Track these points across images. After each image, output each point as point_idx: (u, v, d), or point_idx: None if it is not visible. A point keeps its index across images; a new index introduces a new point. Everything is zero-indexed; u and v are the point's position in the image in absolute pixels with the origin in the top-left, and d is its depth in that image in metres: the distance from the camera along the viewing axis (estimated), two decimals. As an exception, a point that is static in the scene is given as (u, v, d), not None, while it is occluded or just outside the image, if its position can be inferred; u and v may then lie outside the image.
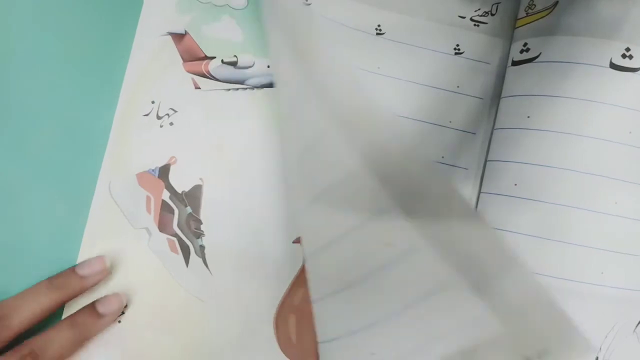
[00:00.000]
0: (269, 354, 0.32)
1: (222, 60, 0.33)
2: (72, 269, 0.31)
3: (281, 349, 0.32)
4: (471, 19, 0.34)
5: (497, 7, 0.35)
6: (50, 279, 0.30)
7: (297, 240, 0.33)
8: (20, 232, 0.31)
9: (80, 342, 0.30)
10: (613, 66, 0.30)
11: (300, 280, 0.32)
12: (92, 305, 0.31)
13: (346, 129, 0.26)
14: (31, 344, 0.28)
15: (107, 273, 0.31)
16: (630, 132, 0.30)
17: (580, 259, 0.29)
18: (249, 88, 0.33)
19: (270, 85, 0.33)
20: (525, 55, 0.32)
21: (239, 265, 0.32)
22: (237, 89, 0.33)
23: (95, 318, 0.30)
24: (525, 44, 0.32)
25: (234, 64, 0.33)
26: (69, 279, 0.30)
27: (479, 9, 0.34)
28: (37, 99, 0.31)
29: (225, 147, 0.32)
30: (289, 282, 0.32)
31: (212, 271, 0.32)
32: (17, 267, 0.31)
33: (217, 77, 0.33)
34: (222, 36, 0.33)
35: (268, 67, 0.33)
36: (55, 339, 0.29)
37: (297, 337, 0.32)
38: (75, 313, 0.30)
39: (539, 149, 0.30)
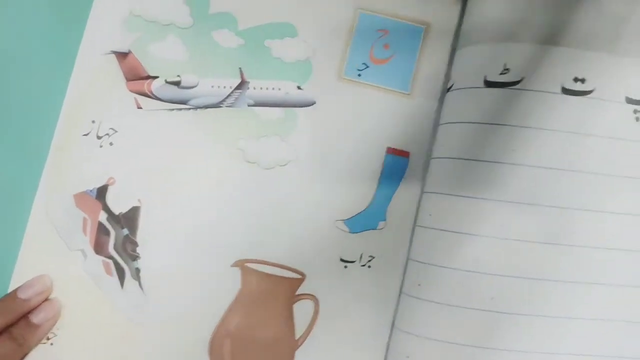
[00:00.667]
0: (204, 378, 0.31)
1: (165, 80, 0.32)
2: (14, 293, 0.30)
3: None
4: None
5: None
6: None
7: (236, 264, 0.32)
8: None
9: (20, 354, 0.30)
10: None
11: (237, 304, 0.32)
12: (26, 317, 0.30)
13: None
14: None
15: (49, 292, 0.31)
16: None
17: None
18: (192, 108, 0.32)
19: (213, 105, 0.32)
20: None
21: (175, 288, 0.32)
22: (180, 109, 0.32)
23: (32, 328, 0.30)
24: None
25: (177, 83, 0.32)
26: (11, 304, 0.30)
27: None
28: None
29: (165, 169, 0.32)
30: (226, 306, 0.32)
31: (148, 294, 0.32)
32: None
33: (160, 96, 0.32)
34: (166, 55, 0.33)
35: (212, 87, 0.33)
36: None
37: (232, 362, 0.32)
38: (12, 326, 0.30)
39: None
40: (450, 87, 0.32)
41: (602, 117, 0.31)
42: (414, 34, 0.33)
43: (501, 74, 0.31)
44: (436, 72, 0.33)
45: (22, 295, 0.30)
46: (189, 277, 0.32)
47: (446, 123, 0.32)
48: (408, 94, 0.33)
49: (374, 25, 0.33)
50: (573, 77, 0.31)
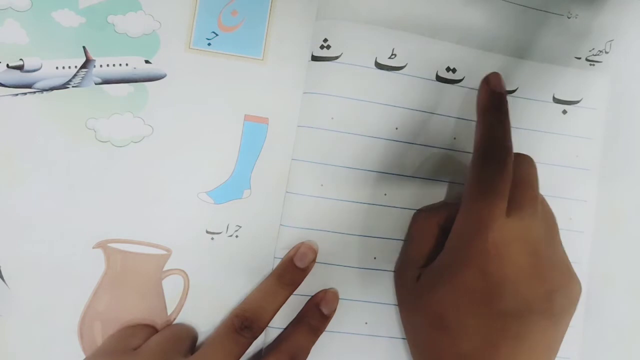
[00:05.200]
0: (75, 364, 0.31)
1: (7, 65, 0.31)
2: (292, 262, 0.32)
3: (88, 358, 0.31)
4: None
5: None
6: (279, 277, 0.32)
7: (98, 245, 0.32)
8: None
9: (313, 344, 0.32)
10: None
11: (103, 285, 0.32)
12: (319, 308, 0.32)
13: None
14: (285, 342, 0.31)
15: (315, 258, 0.32)
16: (396, 128, 0.33)
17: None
18: (38, 91, 0.32)
19: (59, 87, 0.32)
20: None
21: (37, 276, 0.31)
22: (25, 93, 0.32)
23: (324, 319, 0.32)
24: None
25: (20, 67, 0.31)
26: (294, 275, 0.32)
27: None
28: None
29: (14, 155, 0.31)
30: (92, 288, 0.32)
31: (10, 285, 0.31)
32: None
33: (4, 82, 0.31)
34: (6, 40, 0.32)
35: (57, 68, 0.32)
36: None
37: (103, 344, 0.31)
38: (309, 317, 0.32)
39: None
40: (333, 58, 0.33)
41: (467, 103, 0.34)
42: (262, -2, 0.33)
43: (389, 58, 0.33)
44: (290, 37, 0.33)
45: (299, 264, 0.31)
46: (50, 264, 0.31)
47: (310, 93, 0.33)
48: (261, 60, 0.33)
49: (219, -7, 0.33)
50: (446, 66, 0.33)
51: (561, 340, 0.28)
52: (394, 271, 0.33)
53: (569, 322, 0.29)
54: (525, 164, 0.30)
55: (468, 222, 0.29)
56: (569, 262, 0.30)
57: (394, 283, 0.33)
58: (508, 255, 0.27)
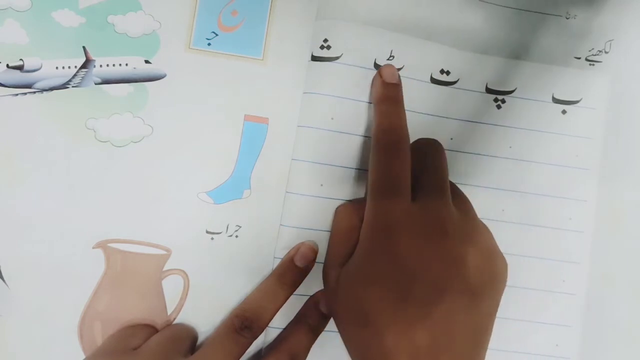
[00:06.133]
0: (75, 364, 0.31)
1: (7, 65, 0.32)
2: (292, 262, 0.32)
3: (88, 358, 0.31)
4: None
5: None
6: (279, 277, 0.32)
7: (98, 245, 0.32)
8: None
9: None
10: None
11: (103, 285, 0.32)
12: (318, 308, 0.32)
13: None
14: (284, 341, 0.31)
15: (315, 258, 0.32)
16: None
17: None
18: (38, 91, 0.32)
19: (59, 87, 0.32)
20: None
21: (37, 276, 0.31)
22: (26, 93, 0.32)
23: (323, 319, 0.32)
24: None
25: (20, 67, 0.32)
26: (295, 275, 0.32)
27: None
28: None
29: (14, 155, 0.31)
30: (92, 288, 0.32)
31: (10, 285, 0.31)
32: None
33: (4, 82, 0.31)
34: (6, 40, 0.32)
35: (57, 68, 0.32)
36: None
37: (103, 344, 0.31)
38: (307, 317, 0.32)
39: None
40: (334, 58, 0.33)
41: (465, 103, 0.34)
42: (262, -3, 0.33)
43: (388, 59, 0.33)
44: (290, 37, 0.33)
45: (299, 263, 0.31)
46: (50, 264, 0.31)
47: (310, 93, 0.33)
48: (261, 60, 0.33)
49: (219, -7, 0.33)
50: (440, 69, 0.34)
51: (490, 319, 0.28)
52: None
53: (495, 299, 0.28)
54: (431, 149, 0.31)
55: (372, 213, 0.28)
56: (491, 241, 0.29)
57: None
58: (416, 240, 0.27)
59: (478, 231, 0.29)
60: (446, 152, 0.33)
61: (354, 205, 0.32)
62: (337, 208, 0.32)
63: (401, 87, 0.32)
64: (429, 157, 0.30)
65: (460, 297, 0.26)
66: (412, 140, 0.31)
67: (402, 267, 0.26)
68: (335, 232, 0.32)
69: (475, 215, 0.30)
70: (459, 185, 0.32)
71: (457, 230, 0.27)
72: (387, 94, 0.32)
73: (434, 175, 0.29)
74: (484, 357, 0.27)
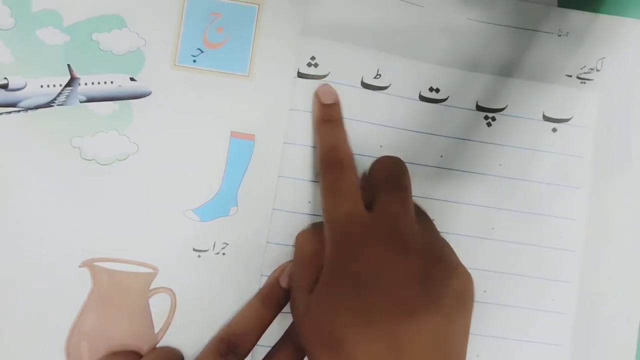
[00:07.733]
0: (62, 383, 0.31)
1: (-9, 84, 0.31)
2: (277, 282, 0.31)
3: (74, 377, 0.31)
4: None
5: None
6: (264, 298, 0.31)
7: (84, 264, 0.32)
8: None
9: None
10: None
11: (90, 304, 0.32)
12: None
13: None
14: None
15: None
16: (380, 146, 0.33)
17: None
18: (23, 110, 0.32)
19: (44, 105, 0.32)
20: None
21: (23, 296, 0.31)
22: (10, 112, 0.32)
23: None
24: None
25: (4, 86, 0.31)
26: (279, 296, 0.31)
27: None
28: None
29: (-1, 174, 0.31)
30: (79, 307, 0.32)
31: (-4, 303, 0.31)
32: None
33: (-12, 101, 0.31)
34: (-10, 58, 0.31)
35: (41, 86, 0.32)
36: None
37: (90, 363, 0.32)
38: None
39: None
40: (321, 76, 0.33)
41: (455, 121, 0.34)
42: (247, 13, 0.33)
43: (375, 78, 0.33)
44: (276, 54, 0.33)
45: (283, 283, 0.31)
46: (37, 283, 0.31)
47: (296, 110, 0.32)
48: (247, 76, 0.33)
49: (205, 9, 0.32)
50: (429, 86, 0.33)
51: (464, 339, 0.27)
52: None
53: (466, 317, 0.27)
54: (387, 163, 0.31)
55: (330, 232, 0.29)
56: (455, 257, 0.28)
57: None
58: (375, 249, 0.27)
59: (441, 247, 0.29)
60: (436, 169, 0.33)
61: (314, 230, 0.32)
62: (297, 235, 0.32)
63: (339, 105, 0.32)
64: (386, 170, 0.31)
65: (431, 317, 0.25)
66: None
67: (365, 285, 0.26)
68: (298, 259, 0.31)
69: (437, 231, 0.30)
70: (448, 203, 0.32)
71: (419, 244, 0.27)
72: (326, 115, 0.32)
73: (392, 190, 0.30)
74: None
